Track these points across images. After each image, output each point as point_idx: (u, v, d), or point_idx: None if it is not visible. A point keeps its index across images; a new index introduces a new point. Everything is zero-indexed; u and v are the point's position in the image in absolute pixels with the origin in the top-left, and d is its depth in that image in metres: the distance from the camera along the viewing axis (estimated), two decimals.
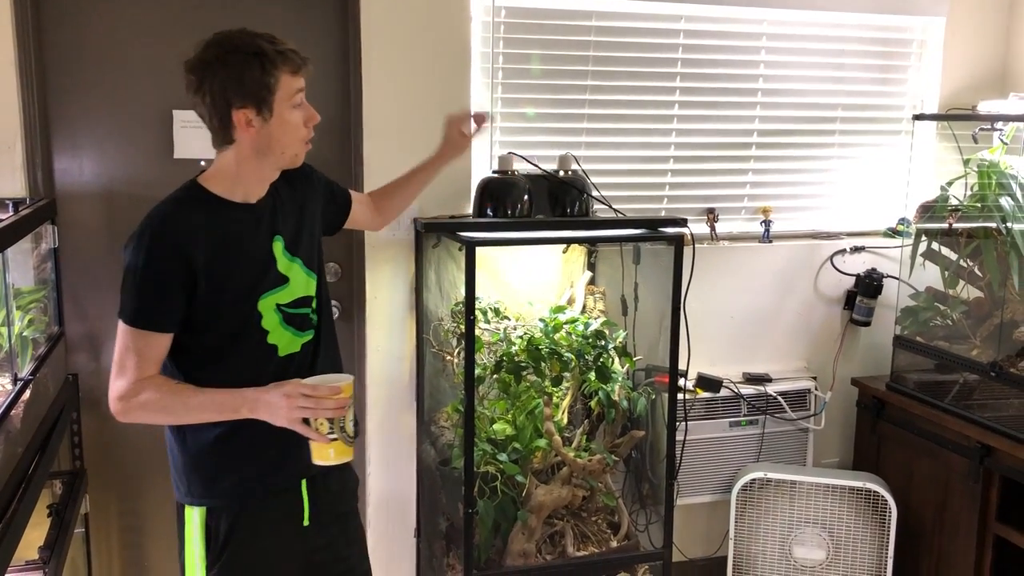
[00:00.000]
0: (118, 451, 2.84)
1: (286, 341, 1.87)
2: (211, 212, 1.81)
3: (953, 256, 3.09)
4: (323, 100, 2.85)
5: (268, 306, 1.84)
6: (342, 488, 2.04)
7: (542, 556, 2.73)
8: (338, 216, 2.22)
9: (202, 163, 2.77)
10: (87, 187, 2.71)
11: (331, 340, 2.01)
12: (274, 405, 1.72)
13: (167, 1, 2.70)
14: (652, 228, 2.80)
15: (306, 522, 1.93)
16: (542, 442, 2.70)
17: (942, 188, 3.11)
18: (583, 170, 2.89)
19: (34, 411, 2.26)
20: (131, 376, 1.75)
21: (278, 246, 1.87)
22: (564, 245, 2.98)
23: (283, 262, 1.87)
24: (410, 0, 2.80)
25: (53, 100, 2.65)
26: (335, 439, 1.72)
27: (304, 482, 1.92)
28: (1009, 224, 2.83)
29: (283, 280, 1.87)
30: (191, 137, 2.75)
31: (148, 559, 2.93)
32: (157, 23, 2.70)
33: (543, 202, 2.78)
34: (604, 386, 2.77)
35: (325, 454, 1.73)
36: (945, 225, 3.04)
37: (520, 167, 2.80)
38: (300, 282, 1.90)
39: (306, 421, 1.72)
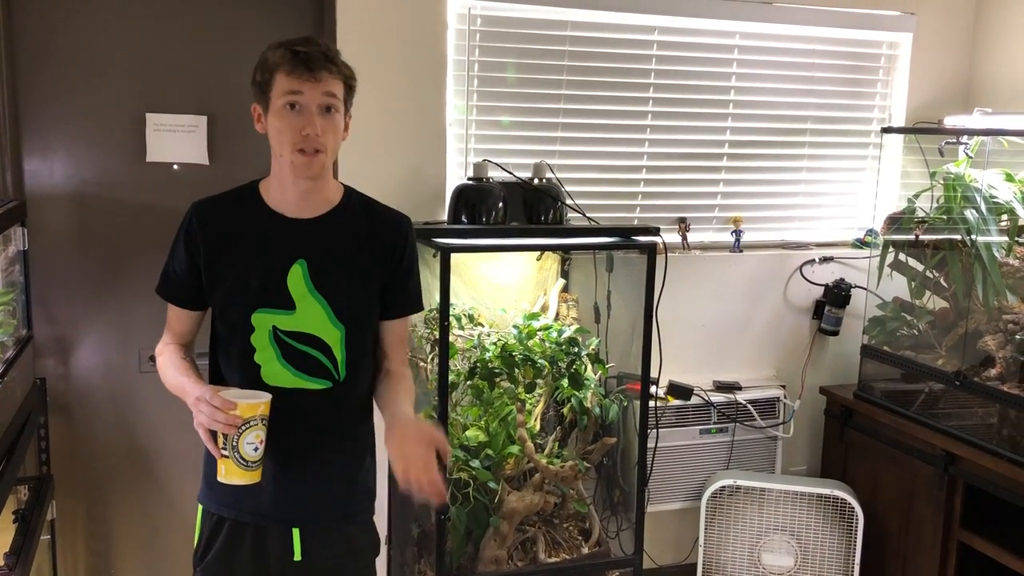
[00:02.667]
0: (86, 457, 2.81)
1: (274, 370, 1.76)
2: (241, 211, 1.79)
3: (920, 267, 3.15)
4: None
5: (262, 324, 1.75)
6: (351, 552, 1.90)
7: (514, 563, 2.73)
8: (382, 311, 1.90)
9: (175, 167, 2.77)
10: (57, 189, 2.68)
11: (357, 407, 1.83)
12: (193, 404, 1.68)
13: (142, 4, 2.69)
14: (625, 236, 2.82)
15: (297, 557, 1.83)
16: (515, 448, 2.70)
17: (909, 200, 3.17)
18: (557, 178, 2.91)
19: (0, 416, 2.23)
20: (162, 339, 1.89)
21: (297, 270, 1.75)
22: (538, 252, 2.99)
23: (298, 288, 1.76)
24: (385, 8, 2.80)
25: (24, 101, 2.62)
26: (226, 456, 1.64)
27: (296, 530, 1.83)
28: (974, 236, 2.89)
29: (288, 305, 1.75)
30: (164, 140, 2.73)
31: (115, 566, 2.90)
32: (131, 26, 2.68)
33: (517, 210, 2.79)
34: (577, 393, 2.78)
35: (220, 470, 1.67)
36: (912, 236, 3.09)
37: (495, 174, 2.82)
38: (313, 320, 1.76)
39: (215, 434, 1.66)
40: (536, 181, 2.83)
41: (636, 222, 3.22)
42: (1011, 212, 2.89)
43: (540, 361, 2.72)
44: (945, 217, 3.02)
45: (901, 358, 3.15)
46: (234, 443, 1.63)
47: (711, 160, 3.30)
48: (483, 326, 2.86)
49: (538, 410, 2.85)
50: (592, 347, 2.88)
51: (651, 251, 2.73)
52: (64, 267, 2.71)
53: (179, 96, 2.74)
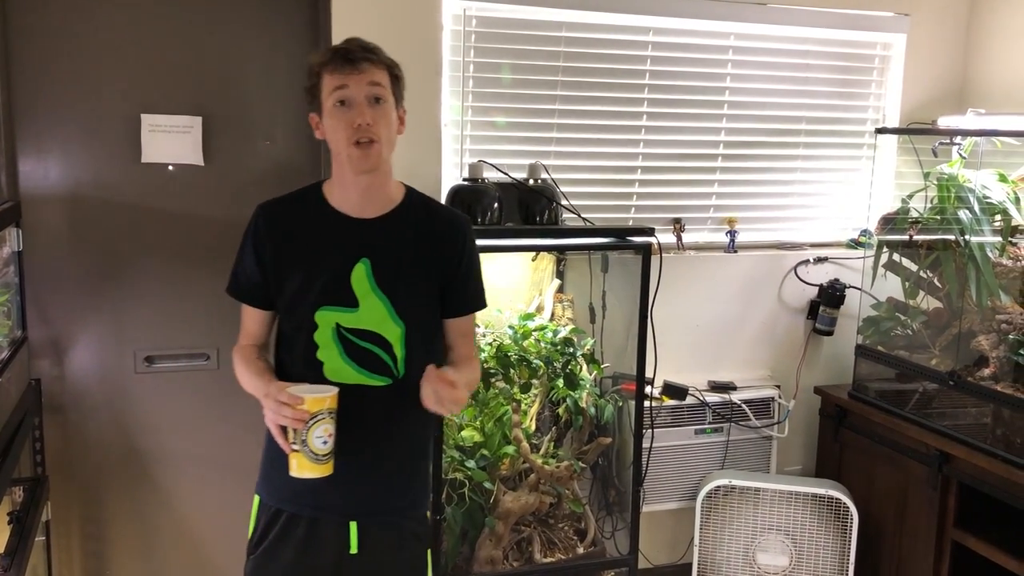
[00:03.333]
0: (80, 458, 2.80)
1: (336, 366, 1.80)
2: (306, 211, 1.83)
3: (913, 267, 3.15)
4: (292, 106, 2.86)
5: (326, 321, 1.79)
6: (402, 544, 1.92)
7: (509, 563, 2.74)
8: (443, 309, 1.93)
9: (170, 168, 2.77)
10: (53, 190, 2.68)
11: (416, 403, 1.76)
12: (262, 400, 1.72)
13: (137, 5, 2.68)
14: (620, 237, 2.83)
15: (353, 550, 1.86)
16: (510, 449, 2.71)
17: (903, 200, 3.17)
18: (552, 179, 2.91)
19: None
20: (239, 339, 1.93)
21: (361, 268, 1.79)
22: (533, 253, 3.00)
23: (361, 286, 1.79)
24: (381, 9, 2.81)
25: (19, 102, 2.62)
26: (297, 451, 1.68)
27: (353, 524, 1.85)
28: (967, 236, 2.89)
29: (351, 302, 1.79)
30: (159, 141, 2.73)
31: (110, 567, 2.90)
32: (127, 26, 2.68)
33: (513, 210, 2.79)
34: (572, 393, 2.79)
35: (291, 464, 1.70)
36: (906, 237, 3.10)
37: (490, 175, 2.82)
38: (375, 317, 1.80)
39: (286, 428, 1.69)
40: (531, 182, 2.83)
41: (631, 222, 3.23)
42: (1004, 212, 2.90)
43: (535, 361, 2.72)
44: (939, 217, 3.03)
45: (895, 358, 3.16)
46: (303, 437, 1.67)
47: (706, 160, 3.31)
48: (478, 326, 2.86)
49: (533, 410, 2.86)
50: (587, 347, 2.88)
51: (646, 251, 2.74)
52: (59, 268, 2.71)
53: (174, 97, 2.74)
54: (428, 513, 2.02)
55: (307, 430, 1.66)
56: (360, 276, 1.80)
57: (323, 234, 1.81)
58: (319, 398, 1.67)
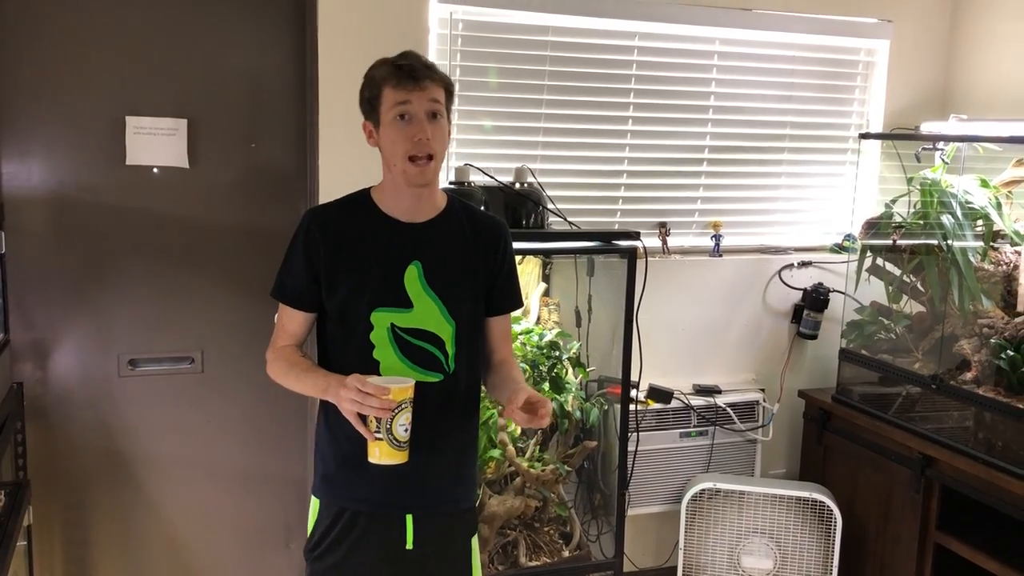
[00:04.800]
0: (63, 462, 2.79)
1: (391, 364, 1.86)
2: (359, 216, 1.90)
3: (897, 272, 3.17)
4: (279, 110, 2.85)
5: (382, 322, 1.86)
6: (453, 536, 1.99)
7: (495, 566, 2.74)
8: (488, 308, 2.00)
9: (155, 170, 2.76)
10: (36, 192, 2.67)
11: (466, 398, 1.95)
12: (337, 392, 1.76)
13: (122, 7, 2.67)
14: (606, 241, 2.84)
15: (409, 545, 1.92)
16: (496, 452, 2.71)
17: (886, 205, 3.20)
18: (539, 183, 2.92)
19: None
20: (273, 342, 1.96)
21: (413, 270, 1.87)
22: (520, 257, 2.99)
23: (414, 287, 1.87)
24: (367, 12, 2.80)
25: (1, 103, 2.60)
26: (380, 439, 1.74)
27: (409, 516, 1.92)
28: (950, 241, 2.92)
29: (406, 303, 1.86)
30: (144, 144, 2.72)
31: (93, 572, 2.88)
32: (112, 28, 2.67)
33: (499, 214, 2.79)
34: (558, 396, 2.79)
35: (372, 451, 1.76)
36: (889, 241, 3.13)
37: (477, 179, 2.82)
38: (429, 317, 1.88)
39: (365, 418, 1.75)
40: (517, 186, 2.83)
41: (617, 227, 3.24)
42: (986, 217, 2.93)
43: (522, 365, 2.73)
44: (922, 222, 3.05)
45: (878, 362, 3.18)
46: (388, 426, 1.73)
47: (691, 165, 3.32)
48: None
49: None
50: (573, 351, 2.89)
51: (631, 255, 2.75)
52: (42, 270, 2.70)
53: (160, 99, 2.73)
54: (475, 506, 2.09)
55: (392, 419, 1.73)
56: (412, 277, 1.87)
57: (376, 238, 1.88)
58: (403, 388, 1.74)
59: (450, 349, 1.90)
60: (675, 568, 3.22)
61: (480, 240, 1.95)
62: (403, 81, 1.79)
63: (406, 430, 1.75)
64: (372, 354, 1.86)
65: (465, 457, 2.00)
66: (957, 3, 3.52)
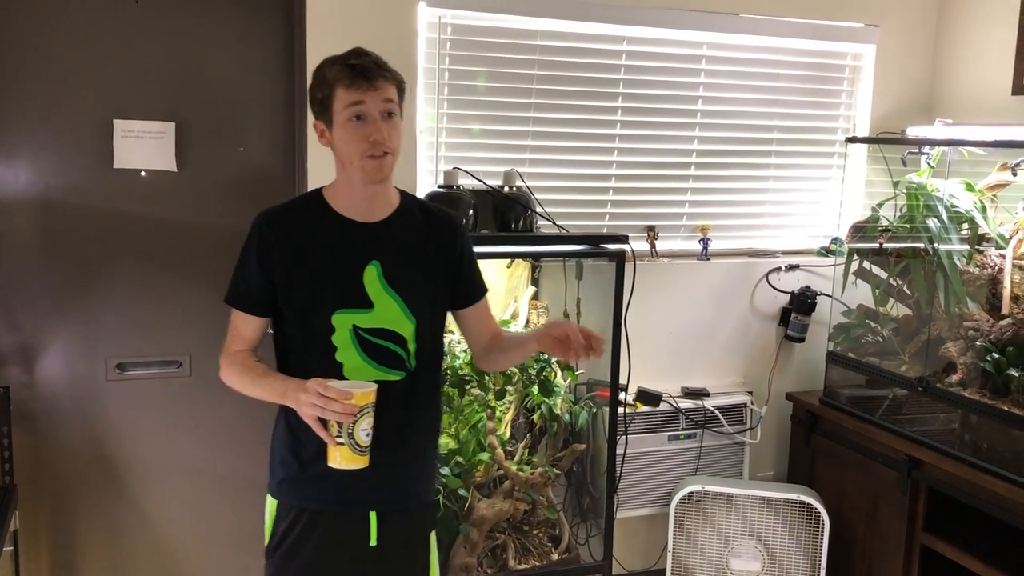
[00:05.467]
0: (50, 467, 2.77)
1: (355, 365, 1.85)
2: (312, 218, 1.88)
3: (883, 275, 3.19)
4: (267, 114, 2.85)
5: (343, 323, 1.84)
6: (415, 530, 2.01)
7: (483, 570, 2.74)
8: (454, 300, 2.03)
9: (142, 173, 2.75)
10: (22, 195, 2.65)
11: (427, 392, 1.97)
12: (297, 397, 1.75)
13: (110, 10, 2.67)
14: (594, 244, 2.84)
15: (373, 542, 1.92)
16: (485, 456, 2.71)
17: (873, 209, 3.21)
18: (527, 186, 2.92)
19: None
20: (226, 347, 1.94)
21: (372, 270, 1.86)
22: (508, 260, 3.00)
23: (374, 287, 1.86)
24: (355, 15, 2.81)
25: None
26: (342, 444, 1.73)
27: (373, 514, 1.92)
28: (936, 244, 2.94)
29: (367, 304, 1.86)
30: (132, 147, 2.71)
31: None
32: (100, 31, 2.66)
33: (488, 217, 2.80)
34: (547, 400, 2.79)
35: (333, 456, 1.75)
36: (876, 245, 3.14)
37: (465, 182, 2.83)
38: (390, 315, 1.87)
39: (325, 422, 1.74)
40: (506, 189, 2.84)
41: (605, 230, 3.24)
42: (971, 221, 2.95)
43: (510, 368, 2.73)
44: (908, 226, 3.07)
45: (865, 364, 3.20)
46: (350, 430, 1.72)
47: (679, 169, 3.33)
48: (453, 333, 2.86)
49: (508, 417, 2.86)
50: None
51: (620, 259, 2.76)
52: (29, 274, 2.68)
53: (147, 103, 2.73)
54: (436, 500, 2.12)
55: (354, 423, 1.72)
56: (372, 277, 1.86)
57: (332, 240, 1.87)
58: (366, 392, 1.74)
59: (411, 346, 1.89)
60: (664, 570, 3.22)
61: (436, 235, 1.95)
62: (356, 81, 1.77)
63: (368, 435, 1.74)
64: (335, 356, 1.85)
65: (426, 452, 2.01)
66: (943, 9, 3.55)
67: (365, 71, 1.77)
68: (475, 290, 2.05)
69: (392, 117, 1.81)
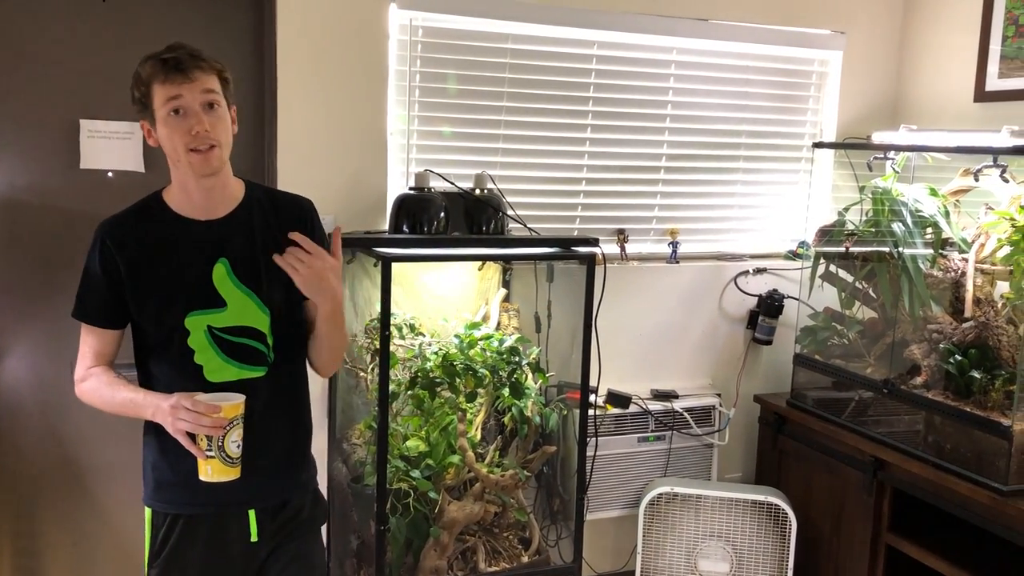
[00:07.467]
0: (13, 471, 2.73)
1: (216, 366, 1.83)
2: (153, 223, 1.84)
3: (849, 278, 3.23)
4: (237, 115, 2.82)
5: (197, 325, 1.82)
6: (300, 521, 1.98)
7: (454, 572, 2.73)
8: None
9: (109, 174, 2.72)
10: None
11: (292, 385, 1.95)
12: (164, 413, 1.74)
13: (77, 8, 2.63)
14: (565, 247, 2.85)
15: (254, 538, 1.90)
16: (455, 458, 2.71)
17: (839, 213, 3.25)
18: (498, 189, 2.93)
19: None
20: (80, 364, 1.90)
21: (220, 268, 1.83)
22: (479, 262, 3.01)
23: (225, 286, 1.83)
24: (327, 17, 2.80)
25: None
26: (212, 457, 1.72)
27: (252, 512, 1.90)
28: (901, 248, 2.98)
29: (219, 303, 1.83)
30: (99, 147, 2.68)
31: None
32: (66, 30, 2.63)
33: (459, 220, 2.80)
34: (517, 402, 2.80)
35: (204, 470, 1.74)
36: (842, 249, 3.18)
37: (436, 185, 2.83)
38: (245, 311, 1.84)
39: (193, 435, 1.72)
40: (477, 191, 2.84)
41: (576, 233, 3.26)
42: (935, 226, 2.99)
43: (481, 370, 2.73)
44: (873, 230, 3.11)
45: (832, 367, 3.24)
46: (219, 443, 1.72)
47: (649, 173, 3.35)
48: (424, 336, 2.86)
49: (479, 419, 2.86)
50: (533, 356, 2.90)
51: (590, 262, 2.77)
52: None
53: (115, 102, 2.69)
54: (318, 488, 2.07)
55: (223, 436, 1.71)
56: (222, 275, 1.83)
57: (176, 243, 1.83)
58: (234, 404, 1.73)
59: (270, 339, 1.87)
60: (633, 572, 3.24)
61: (285, 222, 1.88)
62: (171, 75, 1.73)
63: (238, 446, 1.74)
64: (194, 359, 1.82)
65: (297, 442, 1.99)
66: (907, 17, 3.60)
67: (179, 64, 1.73)
68: None
69: (215, 108, 1.77)
